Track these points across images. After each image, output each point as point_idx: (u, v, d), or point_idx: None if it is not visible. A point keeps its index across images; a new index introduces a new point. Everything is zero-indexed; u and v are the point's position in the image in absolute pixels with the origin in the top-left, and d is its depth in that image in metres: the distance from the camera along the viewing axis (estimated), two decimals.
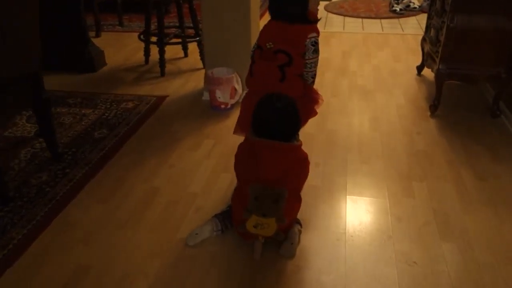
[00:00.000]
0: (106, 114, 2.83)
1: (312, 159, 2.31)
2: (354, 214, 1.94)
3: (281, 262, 1.68)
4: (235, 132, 2.03)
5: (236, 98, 2.87)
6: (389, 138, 2.54)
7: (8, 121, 2.58)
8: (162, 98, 3.06)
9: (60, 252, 1.73)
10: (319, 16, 1.96)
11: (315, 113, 2.00)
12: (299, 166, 1.69)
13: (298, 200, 1.77)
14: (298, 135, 1.75)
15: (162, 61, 3.41)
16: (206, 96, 2.98)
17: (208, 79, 2.88)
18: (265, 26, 1.95)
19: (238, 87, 2.88)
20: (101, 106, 2.94)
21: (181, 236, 1.80)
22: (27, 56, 2.04)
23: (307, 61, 1.85)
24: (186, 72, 3.52)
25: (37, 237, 1.80)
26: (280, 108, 1.63)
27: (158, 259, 1.69)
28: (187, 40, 3.67)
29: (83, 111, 2.87)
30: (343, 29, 4.68)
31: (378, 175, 2.21)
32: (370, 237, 1.81)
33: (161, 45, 3.38)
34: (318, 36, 1.87)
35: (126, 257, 1.70)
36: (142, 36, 3.56)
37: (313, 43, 1.85)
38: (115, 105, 2.95)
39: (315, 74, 1.93)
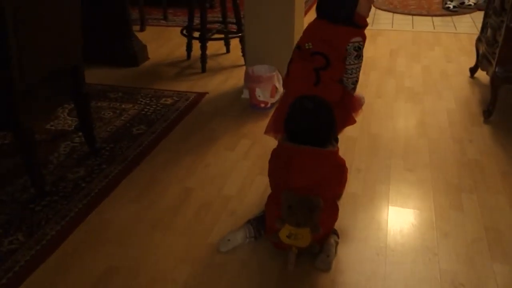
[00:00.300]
0: (146, 110, 2.81)
1: (353, 164, 2.22)
2: (396, 226, 1.82)
3: (316, 275, 1.59)
4: (266, 132, 1.95)
5: (277, 97, 2.78)
6: (437, 145, 2.38)
7: (50, 114, 2.60)
8: (201, 95, 3.01)
9: (92, 251, 1.71)
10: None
11: (353, 121, 1.87)
12: (335, 173, 1.59)
13: (335, 209, 1.67)
14: (335, 140, 1.64)
15: (203, 57, 3.37)
16: (245, 94, 2.91)
17: (248, 77, 2.81)
18: (309, 24, 1.85)
19: (279, 85, 2.79)
20: (141, 101, 2.93)
21: (212, 241, 1.74)
22: (68, 50, 2.04)
23: (347, 66, 1.73)
24: (227, 68, 3.46)
25: (70, 233, 1.79)
26: (312, 110, 1.54)
27: (187, 265, 1.64)
28: (230, 36, 3.62)
29: (123, 106, 2.87)
30: (392, 26, 4.49)
31: (424, 185, 2.07)
32: (413, 253, 1.69)
33: (203, 41, 3.33)
34: (363, 41, 1.74)
35: (156, 261, 1.66)
36: (184, 31, 3.54)
37: (356, 48, 1.72)
38: (154, 101, 2.94)
39: (356, 81, 1.80)
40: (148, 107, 2.85)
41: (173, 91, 3.07)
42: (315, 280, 1.57)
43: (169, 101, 2.94)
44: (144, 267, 1.63)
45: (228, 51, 3.77)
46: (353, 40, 1.70)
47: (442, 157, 2.28)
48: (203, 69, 3.40)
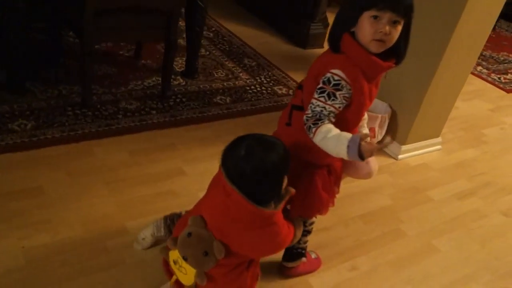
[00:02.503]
0: (252, 87, 2.71)
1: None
2: None
3: None
4: None
5: (374, 142, 2.30)
6: None
7: (121, 41, 2.67)
8: None
9: (45, 169, 1.79)
10: None
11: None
12: (264, 239, 1.21)
13: (251, 270, 1.31)
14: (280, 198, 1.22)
15: None
16: None
17: None
18: None
19: (380, 131, 2.29)
20: (260, 78, 2.83)
21: (127, 227, 1.63)
22: None
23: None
24: None
25: (51, 146, 1.90)
26: (253, 154, 1.13)
27: (82, 231, 1.59)
28: None
29: (241, 74, 2.83)
30: None
31: None
32: None
33: None
34: (346, 76, 1.19)
35: (69, 209, 1.65)
36: None
37: (326, 80, 1.20)
38: (271, 84, 2.80)
39: (306, 124, 1.21)
40: (257, 85, 2.74)
41: (295, 83, 2.86)
42: None
43: (282, 90, 2.76)
44: (54, 212, 1.64)
45: None
46: (331, 70, 1.20)
47: None
48: None
